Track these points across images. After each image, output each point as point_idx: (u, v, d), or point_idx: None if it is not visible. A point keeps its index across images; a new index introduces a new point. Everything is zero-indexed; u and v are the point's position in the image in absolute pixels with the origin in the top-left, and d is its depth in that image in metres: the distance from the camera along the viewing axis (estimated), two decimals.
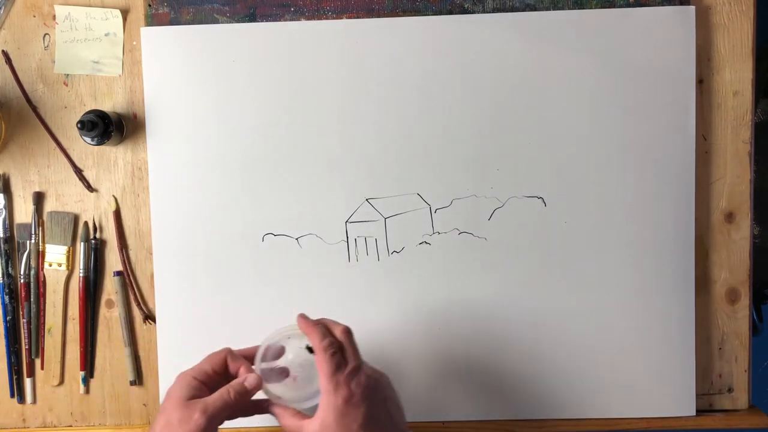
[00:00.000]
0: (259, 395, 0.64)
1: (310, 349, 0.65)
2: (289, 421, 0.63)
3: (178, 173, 0.77)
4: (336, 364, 0.62)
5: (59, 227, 0.78)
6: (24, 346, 0.79)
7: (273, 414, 0.65)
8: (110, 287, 0.79)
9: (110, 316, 0.79)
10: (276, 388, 0.65)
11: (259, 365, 0.66)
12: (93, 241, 0.78)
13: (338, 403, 0.60)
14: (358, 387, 0.62)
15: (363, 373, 0.63)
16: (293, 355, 0.66)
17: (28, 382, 0.79)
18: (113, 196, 0.78)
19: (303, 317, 0.66)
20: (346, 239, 0.77)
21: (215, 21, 0.77)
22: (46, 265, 0.78)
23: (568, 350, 0.77)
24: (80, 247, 0.78)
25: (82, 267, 0.78)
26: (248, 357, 0.67)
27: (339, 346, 0.63)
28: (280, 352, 0.67)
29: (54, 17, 0.77)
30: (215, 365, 0.65)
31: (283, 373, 0.66)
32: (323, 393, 0.61)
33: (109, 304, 0.79)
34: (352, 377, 0.62)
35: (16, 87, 0.77)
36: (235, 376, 0.66)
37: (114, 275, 0.78)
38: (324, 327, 0.65)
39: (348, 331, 0.65)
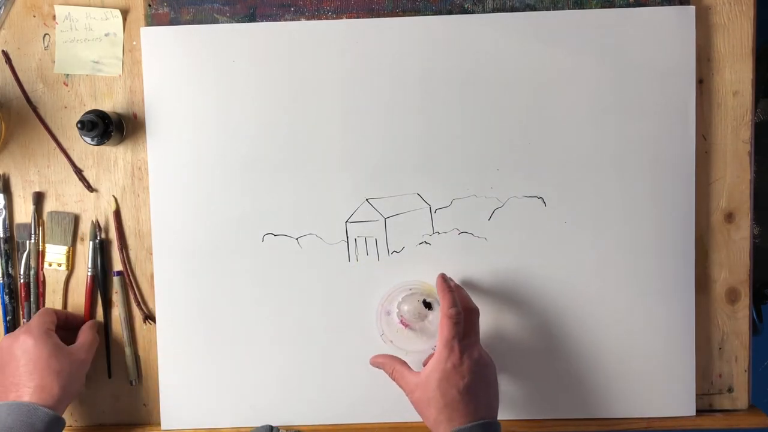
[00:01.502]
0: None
1: (427, 305, 0.73)
2: (397, 368, 0.70)
3: (178, 173, 0.77)
4: (456, 332, 0.67)
5: (59, 227, 0.78)
6: None
7: (378, 365, 0.73)
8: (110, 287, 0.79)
9: (110, 316, 0.79)
10: (390, 333, 0.75)
11: (380, 308, 0.75)
12: (98, 241, 0.78)
13: (447, 366, 0.65)
14: (469, 359, 0.66)
15: (477, 349, 0.68)
16: (408, 307, 0.74)
17: None
18: (113, 196, 0.78)
19: (443, 279, 0.72)
20: (346, 239, 0.77)
21: (215, 21, 0.77)
22: (45, 265, 0.78)
23: (568, 350, 0.77)
24: (89, 245, 0.78)
25: (90, 266, 0.78)
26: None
27: (463, 319, 0.68)
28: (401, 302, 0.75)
29: (54, 17, 0.77)
30: (51, 317, 0.74)
31: (401, 321, 0.75)
32: (435, 354, 0.67)
33: (109, 304, 0.79)
34: (466, 348, 0.67)
35: (16, 87, 0.77)
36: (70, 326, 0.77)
37: (114, 275, 0.78)
38: (457, 297, 0.69)
39: (477, 313, 0.71)
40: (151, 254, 0.78)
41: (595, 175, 0.76)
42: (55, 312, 0.75)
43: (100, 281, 0.78)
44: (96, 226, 0.78)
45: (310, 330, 0.77)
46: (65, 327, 0.76)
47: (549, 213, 0.77)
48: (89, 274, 0.78)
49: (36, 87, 0.78)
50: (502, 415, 0.78)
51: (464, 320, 0.68)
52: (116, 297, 0.78)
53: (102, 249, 0.78)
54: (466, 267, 0.77)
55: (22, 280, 0.78)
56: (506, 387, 0.78)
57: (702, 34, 0.76)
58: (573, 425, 0.78)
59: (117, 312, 0.79)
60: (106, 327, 0.79)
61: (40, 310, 0.76)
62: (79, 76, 0.77)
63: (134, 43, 0.77)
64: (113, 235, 0.78)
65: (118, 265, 0.78)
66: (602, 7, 0.76)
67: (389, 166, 0.77)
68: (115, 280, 0.78)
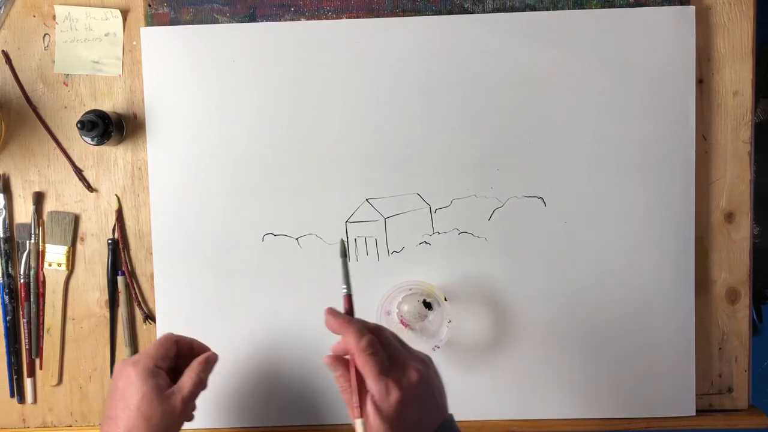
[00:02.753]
0: None
1: (427, 305, 0.74)
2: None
3: (178, 173, 0.77)
4: (381, 365, 0.59)
5: (59, 227, 0.78)
6: (24, 346, 0.79)
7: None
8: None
9: (116, 316, 0.79)
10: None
11: (380, 308, 0.75)
12: (110, 241, 0.78)
13: (387, 409, 0.58)
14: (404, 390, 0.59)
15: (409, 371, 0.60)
16: (408, 307, 0.75)
17: (28, 382, 0.79)
18: (116, 195, 0.78)
19: (332, 314, 0.63)
20: (346, 239, 0.77)
21: (215, 21, 0.77)
22: (45, 265, 0.78)
23: (568, 350, 0.77)
24: (108, 245, 0.78)
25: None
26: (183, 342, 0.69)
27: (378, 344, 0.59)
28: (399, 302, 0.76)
29: (54, 17, 0.77)
30: (168, 349, 0.67)
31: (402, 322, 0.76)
32: (370, 395, 0.59)
33: (109, 303, 0.79)
34: (398, 380, 0.59)
35: (16, 87, 0.77)
36: (184, 355, 0.68)
37: (118, 275, 0.78)
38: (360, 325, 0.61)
39: (383, 329, 0.62)
40: (151, 254, 0.78)
41: (595, 175, 0.76)
42: (178, 341, 0.68)
43: (109, 281, 0.78)
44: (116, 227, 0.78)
45: (309, 330, 0.77)
46: (190, 356, 0.69)
47: (549, 213, 0.77)
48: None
49: (36, 87, 0.78)
50: (502, 415, 0.78)
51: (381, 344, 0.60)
52: (119, 296, 0.78)
53: (115, 250, 0.78)
54: (466, 267, 0.77)
55: (21, 280, 0.78)
56: (506, 387, 0.77)
57: (702, 34, 0.76)
58: (573, 425, 0.78)
59: (118, 311, 0.79)
60: (111, 327, 0.79)
61: (161, 338, 0.68)
62: (79, 76, 0.77)
63: (134, 43, 0.77)
64: (115, 234, 0.78)
65: (95, 261, 0.79)
66: (602, 7, 0.76)
67: (389, 166, 0.77)
68: (119, 279, 0.78)
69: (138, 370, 0.64)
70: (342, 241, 0.65)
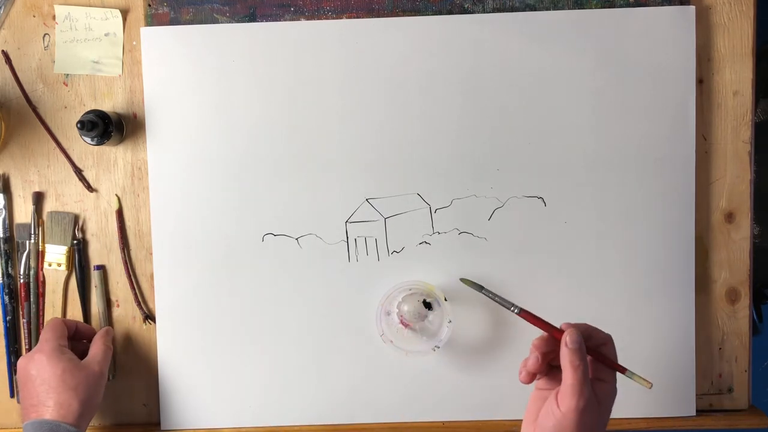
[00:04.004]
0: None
1: (427, 305, 0.74)
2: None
3: (178, 173, 0.77)
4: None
5: (59, 227, 0.78)
6: (24, 346, 0.79)
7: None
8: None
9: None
10: (390, 333, 0.75)
11: (380, 308, 0.75)
12: (75, 242, 0.78)
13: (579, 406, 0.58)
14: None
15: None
16: (408, 307, 0.74)
17: None
18: (116, 195, 0.78)
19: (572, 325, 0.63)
20: (346, 239, 0.77)
21: (215, 21, 0.77)
22: (45, 265, 0.78)
23: None
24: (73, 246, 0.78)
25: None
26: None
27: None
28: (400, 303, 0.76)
29: (54, 17, 0.77)
30: (62, 330, 0.73)
31: (402, 322, 0.75)
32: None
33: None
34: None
35: (16, 87, 0.77)
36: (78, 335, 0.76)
37: (95, 269, 0.78)
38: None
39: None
40: (151, 254, 0.78)
41: (595, 175, 0.76)
42: (65, 323, 0.75)
43: (80, 279, 0.78)
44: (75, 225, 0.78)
45: (310, 330, 0.77)
46: (76, 338, 0.76)
47: (549, 213, 0.77)
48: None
49: (36, 87, 0.78)
50: (502, 416, 0.78)
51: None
52: (96, 291, 0.78)
53: (81, 248, 0.78)
54: (466, 267, 0.77)
55: (21, 280, 0.78)
56: (506, 387, 0.77)
57: (702, 34, 0.76)
58: None
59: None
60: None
61: (49, 323, 0.74)
62: (79, 76, 0.77)
63: (134, 43, 0.77)
64: (114, 233, 0.78)
65: (95, 262, 0.78)
66: (602, 7, 0.76)
67: (389, 166, 0.77)
68: (96, 274, 0.78)
69: (47, 353, 0.70)
70: (465, 280, 0.71)
